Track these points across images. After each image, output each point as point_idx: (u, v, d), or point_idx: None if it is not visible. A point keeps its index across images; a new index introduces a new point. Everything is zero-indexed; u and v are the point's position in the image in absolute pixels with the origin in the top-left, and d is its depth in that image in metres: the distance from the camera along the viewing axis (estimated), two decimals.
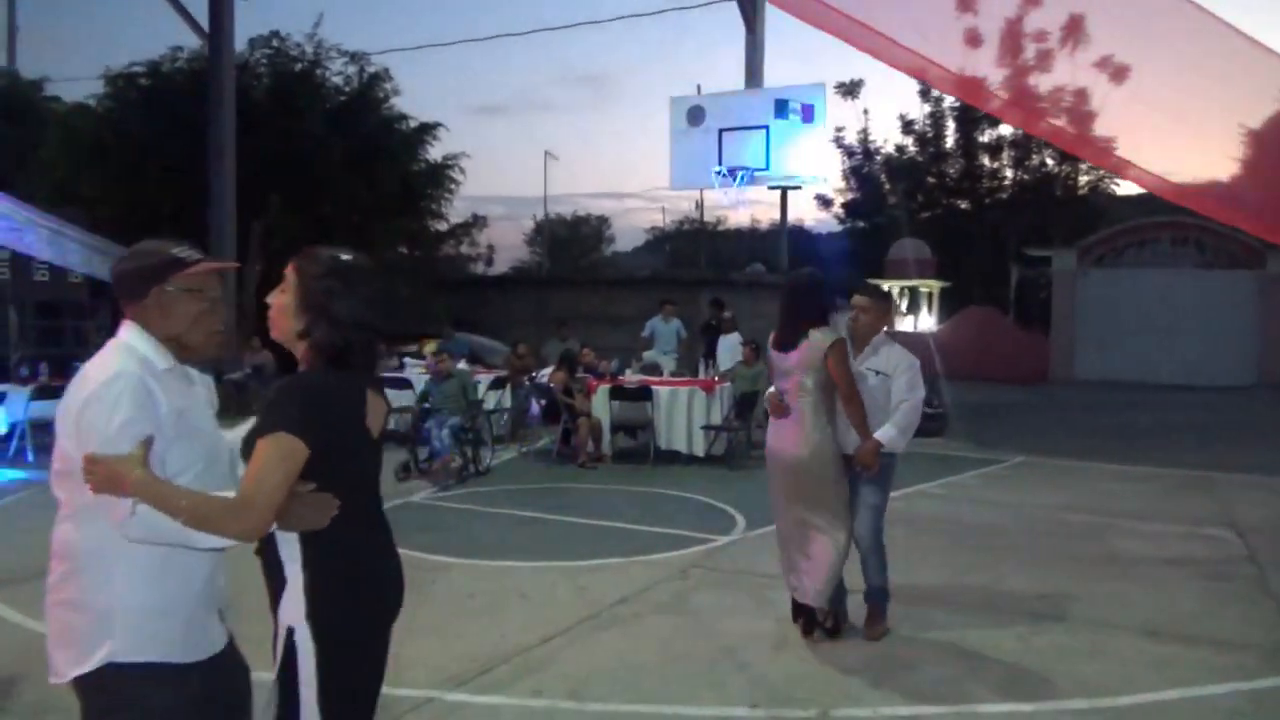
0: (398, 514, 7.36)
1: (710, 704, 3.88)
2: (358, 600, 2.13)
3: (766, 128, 10.92)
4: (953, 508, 7.87)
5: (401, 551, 6.55)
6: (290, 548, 2.05)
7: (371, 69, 18.40)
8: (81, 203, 15.79)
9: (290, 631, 2.04)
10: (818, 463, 4.40)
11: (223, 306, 2.24)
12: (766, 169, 10.87)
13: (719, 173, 10.93)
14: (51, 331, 13.10)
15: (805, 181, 11.55)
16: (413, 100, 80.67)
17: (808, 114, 10.86)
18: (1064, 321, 22.84)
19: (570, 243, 46.63)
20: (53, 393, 9.88)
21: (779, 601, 4.87)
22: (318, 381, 2.08)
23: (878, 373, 4.49)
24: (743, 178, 10.81)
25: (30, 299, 12.72)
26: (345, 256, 2.15)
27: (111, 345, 2.07)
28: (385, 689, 3.88)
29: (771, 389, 4.63)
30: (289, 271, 2.12)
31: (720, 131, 11.10)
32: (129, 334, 2.07)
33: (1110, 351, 22.02)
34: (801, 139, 10.87)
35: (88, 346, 12.58)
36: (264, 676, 3.80)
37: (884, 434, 4.44)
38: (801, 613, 4.59)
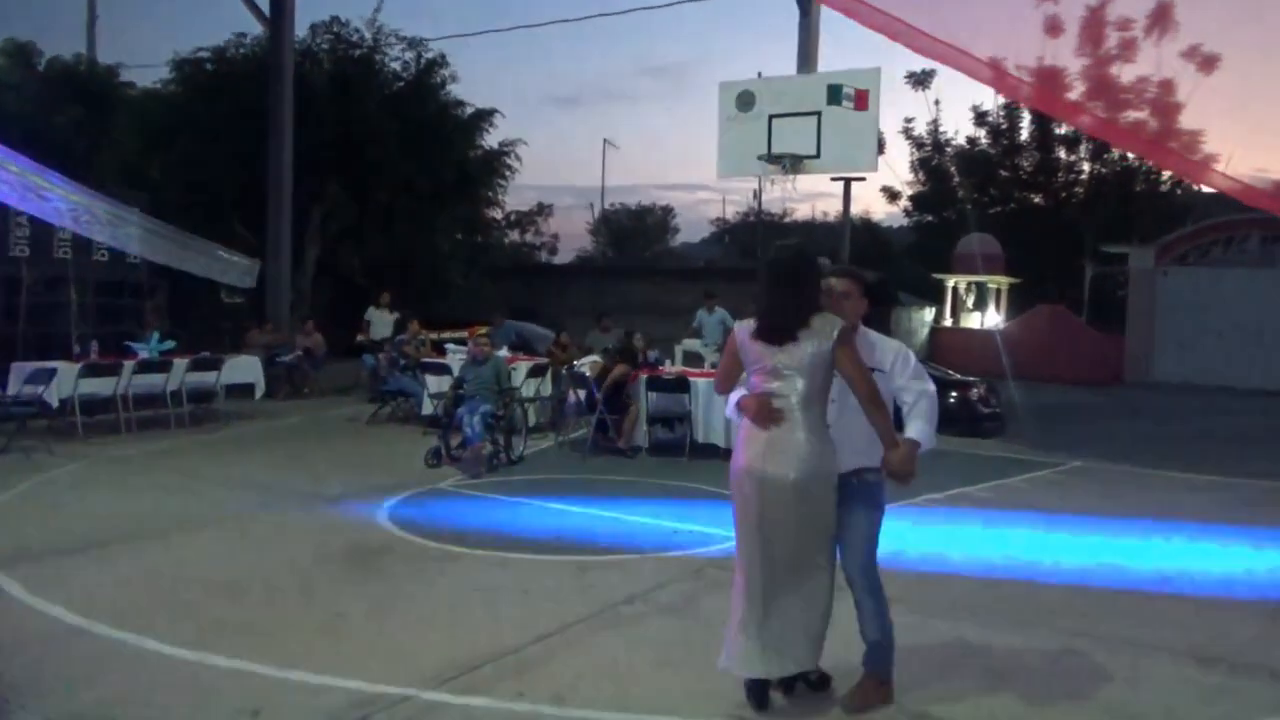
0: (423, 500, 7.39)
1: (697, 715, 3.64)
2: None
3: (818, 114, 10.54)
4: (997, 513, 7.44)
5: (416, 540, 6.43)
6: None
7: (429, 55, 18.45)
8: (149, 186, 16.18)
9: None
10: (820, 486, 3.56)
11: None
12: (817, 157, 10.48)
13: (763, 159, 10.58)
14: (111, 310, 13.41)
15: (854, 169, 11.11)
16: (483, 89, 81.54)
17: (862, 101, 10.44)
18: (1141, 321, 21.84)
19: (634, 233, 46.44)
20: (102, 370, 10.10)
21: None
22: None
23: (872, 369, 3.64)
24: (788, 165, 10.44)
25: (90, 278, 13.03)
26: None
27: None
28: (365, 685, 3.80)
29: (744, 392, 3.69)
30: None
31: (770, 118, 10.75)
32: None
33: (1191, 354, 20.99)
34: (855, 126, 10.44)
35: (144, 326, 12.87)
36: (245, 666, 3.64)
37: (919, 432, 3.60)
38: (758, 689, 3.67)
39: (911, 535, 6.60)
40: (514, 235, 33.50)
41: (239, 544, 5.99)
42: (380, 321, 14.08)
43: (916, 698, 3.82)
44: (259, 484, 7.81)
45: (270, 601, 4.84)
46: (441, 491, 7.72)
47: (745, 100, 10.98)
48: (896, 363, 3.73)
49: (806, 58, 11.79)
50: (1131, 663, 4.30)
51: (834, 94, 10.43)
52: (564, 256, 38.99)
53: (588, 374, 10.01)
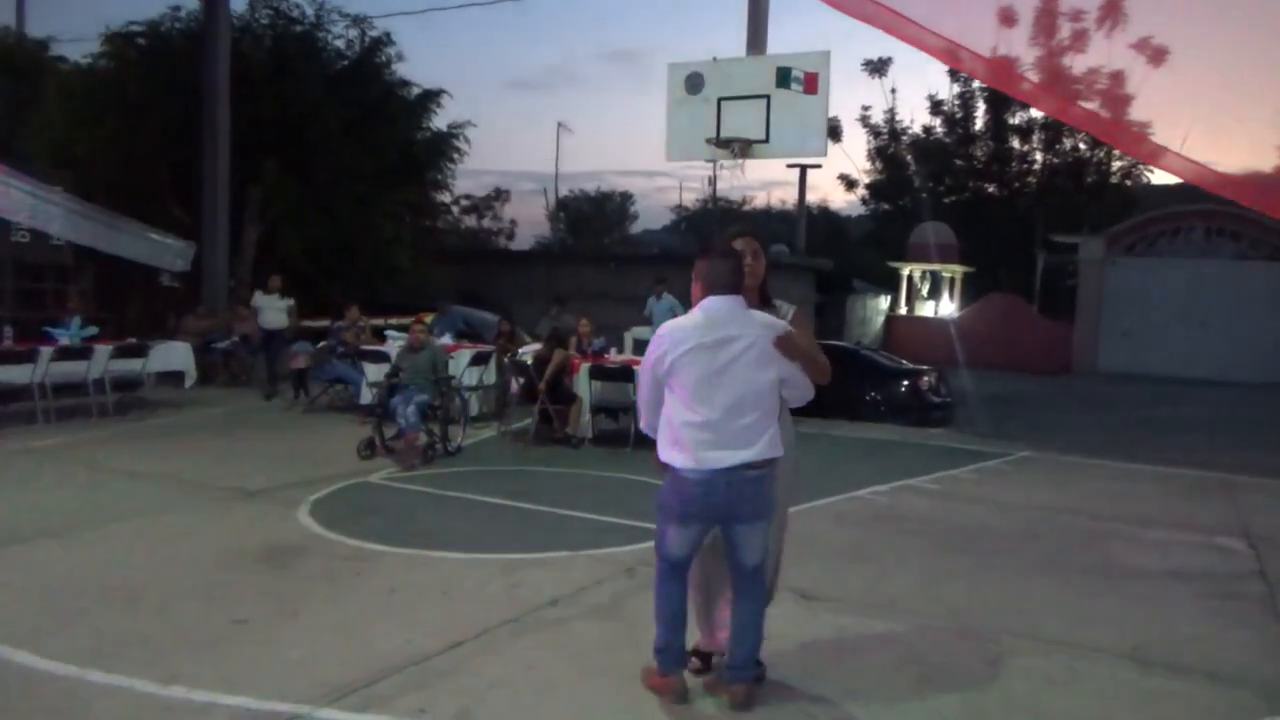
0: (350, 494, 7.06)
1: None
2: None
3: (767, 98, 10.28)
4: (941, 505, 7.31)
5: (336, 538, 6.07)
6: None
7: (374, 33, 17.90)
8: (77, 165, 15.49)
9: None
10: None
11: None
12: (766, 141, 10.23)
13: (712, 142, 10.29)
14: (32, 294, 12.80)
15: (804, 153, 10.90)
16: (439, 71, 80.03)
17: (811, 84, 10.20)
18: (1089, 311, 22.07)
19: (593, 219, 45.97)
20: (16, 357, 9.58)
21: None
22: None
23: None
24: (737, 149, 10.17)
25: (8, 260, 12.41)
26: None
27: None
28: (252, 702, 3.50)
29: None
30: None
31: (720, 100, 10.47)
32: None
33: (1137, 343, 21.27)
34: (804, 110, 10.21)
35: (67, 311, 12.29)
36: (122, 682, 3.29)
37: None
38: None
39: (849, 531, 6.45)
40: (471, 220, 32.90)
41: (143, 544, 5.62)
42: (271, 309, 12.32)
43: (851, 701, 3.62)
44: (177, 477, 7.42)
45: (166, 609, 4.50)
46: (371, 485, 7.39)
47: (694, 83, 10.68)
48: None
49: (756, 40, 11.55)
50: (1069, 664, 4.15)
51: (783, 77, 10.18)
52: (523, 242, 38.51)
53: (529, 362, 9.72)
